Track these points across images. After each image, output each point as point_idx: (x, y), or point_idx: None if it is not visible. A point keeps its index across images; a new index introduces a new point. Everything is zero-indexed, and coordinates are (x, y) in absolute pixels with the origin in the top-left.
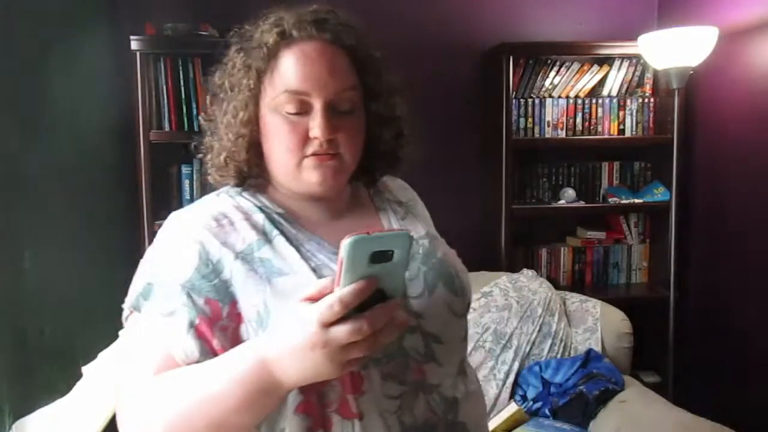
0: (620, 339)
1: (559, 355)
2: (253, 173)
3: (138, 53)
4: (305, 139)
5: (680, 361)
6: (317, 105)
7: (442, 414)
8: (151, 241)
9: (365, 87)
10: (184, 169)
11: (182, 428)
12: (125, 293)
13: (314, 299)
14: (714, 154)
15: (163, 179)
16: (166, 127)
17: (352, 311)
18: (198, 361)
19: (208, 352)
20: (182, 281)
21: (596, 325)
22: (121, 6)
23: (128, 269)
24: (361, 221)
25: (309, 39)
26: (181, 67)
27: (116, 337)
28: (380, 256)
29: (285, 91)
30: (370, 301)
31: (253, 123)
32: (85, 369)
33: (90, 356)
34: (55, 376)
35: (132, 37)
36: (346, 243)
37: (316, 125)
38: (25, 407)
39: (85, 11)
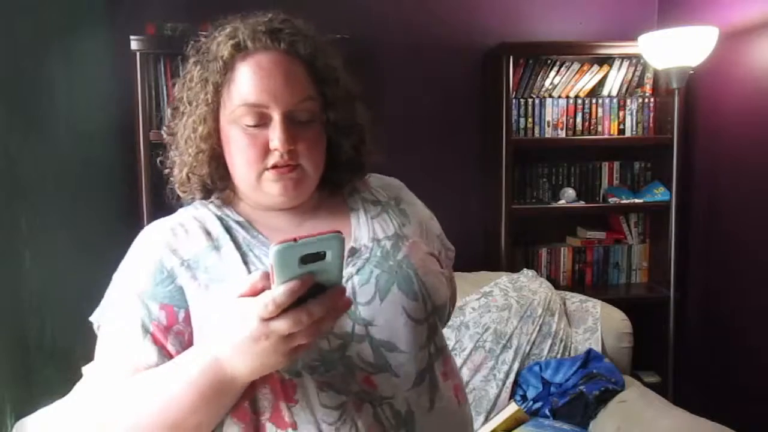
0: (620, 339)
1: (559, 355)
2: (218, 186)
3: (138, 53)
4: (265, 151)
5: (680, 361)
6: (276, 116)
7: (392, 429)
8: None
9: (323, 96)
10: None
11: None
12: None
13: (248, 295)
14: (714, 154)
15: (163, 179)
16: None
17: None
18: (157, 365)
19: (165, 357)
20: (138, 291)
21: (596, 325)
22: (121, 6)
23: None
24: (325, 224)
25: (264, 50)
26: (181, 67)
27: None
28: (313, 257)
29: (243, 104)
30: (310, 293)
31: (213, 137)
32: (85, 369)
33: (90, 356)
34: (55, 376)
35: (132, 37)
36: (272, 251)
37: (275, 137)
38: (25, 407)
39: (85, 11)
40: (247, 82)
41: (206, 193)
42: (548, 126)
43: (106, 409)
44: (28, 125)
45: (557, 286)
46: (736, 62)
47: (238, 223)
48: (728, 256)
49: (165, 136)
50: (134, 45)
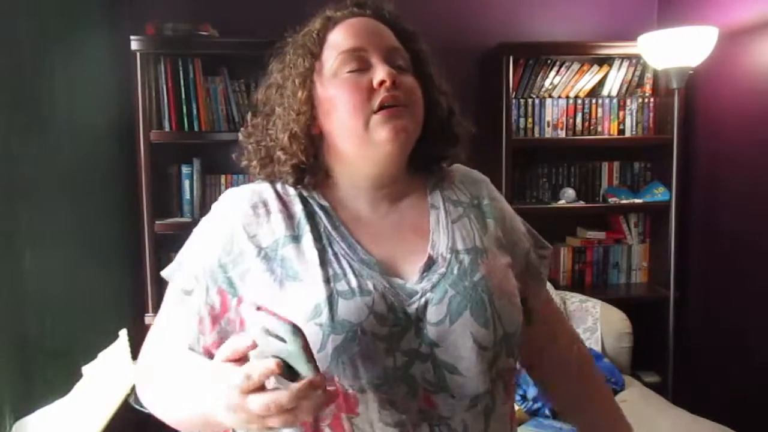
0: (620, 339)
1: None
2: (310, 164)
3: (138, 53)
4: (370, 92)
5: (680, 361)
6: (375, 57)
7: None
8: (151, 241)
9: (412, 54)
10: (184, 169)
11: (160, 409)
12: (125, 293)
13: (231, 360)
14: (714, 154)
15: (163, 179)
16: (166, 127)
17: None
18: (192, 348)
19: (200, 344)
20: (204, 265)
21: (596, 325)
22: (121, 6)
23: (128, 269)
24: (408, 219)
25: (352, 15)
26: (181, 67)
27: (116, 337)
28: (277, 336)
29: (341, 53)
30: (294, 373)
31: (311, 104)
32: (85, 369)
33: (90, 356)
34: (55, 376)
35: (132, 37)
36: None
37: (379, 71)
38: (25, 407)
39: (86, 11)
40: (340, 36)
41: (299, 174)
42: (548, 126)
43: (147, 370)
44: (29, 125)
45: (557, 286)
46: (735, 62)
47: (322, 208)
48: (728, 256)
49: (241, 137)
50: (134, 45)
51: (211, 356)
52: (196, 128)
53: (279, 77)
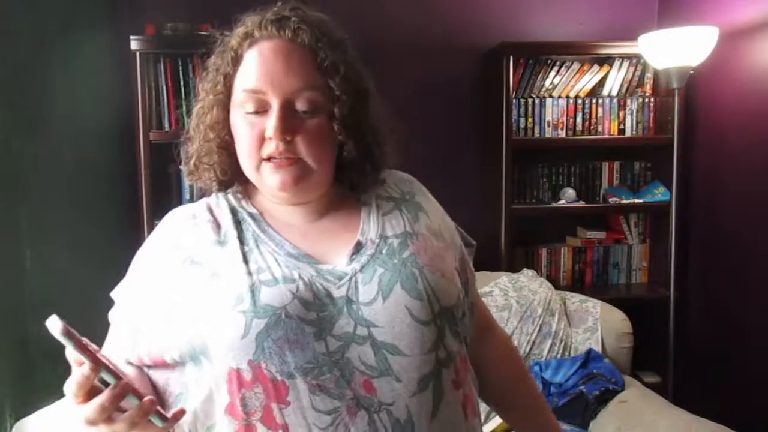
0: (620, 339)
1: (559, 355)
2: (228, 176)
3: (138, 53)
4: (262, 140)
5: (680, 361)
6: (274, 104)
7: None
8: None
9: (328, 89)
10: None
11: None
12: None
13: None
14: (714, 154)
15: (163, 179)
16: (166, 127)
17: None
18: (129, 361)
19: (135, 354)
20: (142, 281)
21: (596, 325)
22: (121, 6)
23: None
24: (339, 221)
25: (269, 38)
26: (181, 67)
27: None
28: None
29: (243, 90)
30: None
31: (221, 126)
32: None
33: None
34: (55, 376)
35: (132, 37)
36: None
37: (270, 125)
38: (25, 407)
39: (85, 11)
40: (249, 69)
41: (221, 184)
42: (548, 126)
43: None
44: (29, 125)
45: (557, 286)
46: (736, 62)
47: (251, 215)
48: (728, 256)
49: (189, 131)
50: (134, 45)
51: (145, 366)
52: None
53: (201, 87)
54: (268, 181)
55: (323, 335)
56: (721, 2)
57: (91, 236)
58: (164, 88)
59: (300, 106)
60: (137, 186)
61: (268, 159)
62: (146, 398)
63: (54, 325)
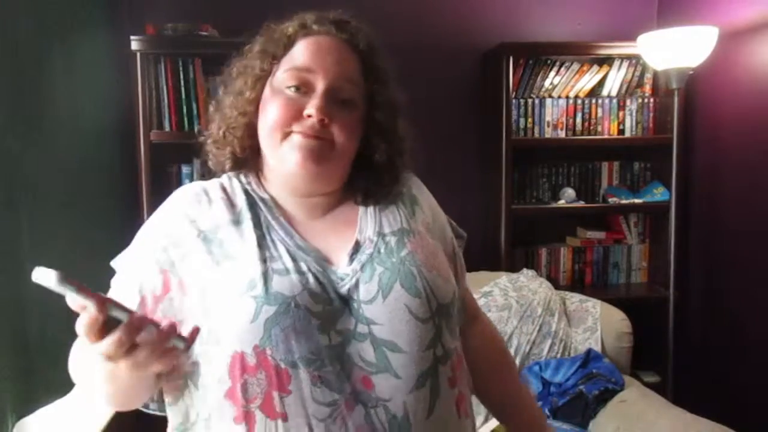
0: (620, 339)
1: (559, 355)
2: (244, 155)
3: (138, 53)
4: (297, 116)
5: (680, 361)
6: (319, 86)
7: None
8: None
9: (369, 95)
10: (184, 169)
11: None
12: None
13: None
14: (714, 154)
15: (163, 179)
16: (166, 127)
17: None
18: None
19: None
20: (148, 248)
21: (596, 324)
22: (121, 6)
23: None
24: (339, 219)
25: (326, 33)
26: (181, 67)
27: None
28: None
29: (290, 68)
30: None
31: (255, 105)
32: None
33: None
34: (55, 376)
35: (132, 37)
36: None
37: (313, 104)
38: (26, 407)
39: (85, 11)
40: (301, 51)
41: (235, 164)
42: (548, 126)
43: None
44: (29, 125)
45: (557, 286)
46: (735, 62)
47: (263, 200)
48: (728, 255)
49: (211, 109)
50: (134, 45)
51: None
52: (196, 128)
53: (241, 65)
54: (289, 156)
55: (327, 329)
56: (721, 2)
57: (91, 236)
58: (164, 88)
59: (343, 94)
60: (137, 186)
61: (298, 132)
62: (167, 322)
63: (46, 276)
